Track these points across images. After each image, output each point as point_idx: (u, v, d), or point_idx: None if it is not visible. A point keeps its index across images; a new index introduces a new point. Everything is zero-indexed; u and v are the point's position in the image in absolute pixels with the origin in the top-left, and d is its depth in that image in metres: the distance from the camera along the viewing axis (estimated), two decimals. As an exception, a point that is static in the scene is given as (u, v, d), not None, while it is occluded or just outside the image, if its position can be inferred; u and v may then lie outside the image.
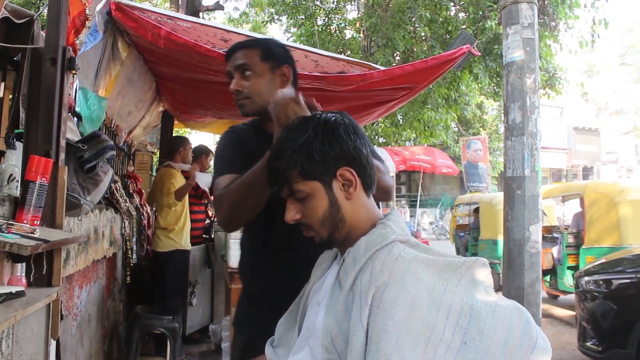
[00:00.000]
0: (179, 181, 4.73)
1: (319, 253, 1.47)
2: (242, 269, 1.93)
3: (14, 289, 1.69)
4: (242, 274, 1.94)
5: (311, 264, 1.47)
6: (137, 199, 4.83)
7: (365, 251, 1.21)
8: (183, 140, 5.18)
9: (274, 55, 1.81)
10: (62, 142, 2.16)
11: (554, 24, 10.45)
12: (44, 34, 2.26)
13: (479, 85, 11.51)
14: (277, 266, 1.77)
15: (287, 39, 14.24)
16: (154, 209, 5.10)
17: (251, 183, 1.57)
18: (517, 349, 1.08)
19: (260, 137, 1.81)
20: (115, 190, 3.95)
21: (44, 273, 2.01)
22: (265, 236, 1.80)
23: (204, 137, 19.12)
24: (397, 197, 16.20)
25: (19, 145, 2.09)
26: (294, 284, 1.50)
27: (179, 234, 4.70)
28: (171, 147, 5.07)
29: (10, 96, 2.67)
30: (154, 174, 6.56)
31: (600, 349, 4.41)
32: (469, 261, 1.20)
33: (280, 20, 15.54)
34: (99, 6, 2.89)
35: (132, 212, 4.34)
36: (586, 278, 4.82)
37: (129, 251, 4.25)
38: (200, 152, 5.49)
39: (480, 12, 10.63)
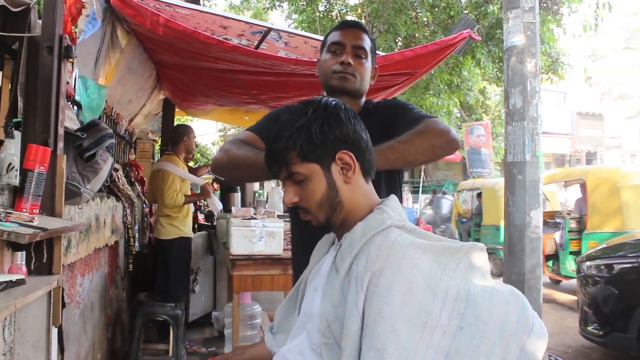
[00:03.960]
0: (178, 183, 4.67)
1: None
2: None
3: (14, 277, 1.69)
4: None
5: None
6: (138, 187, 4.83)
7: (361, 236, 1.21)
8: (187, 129, 5.09)
9: (375, 53, 1.94)
10: (61, 131, 2.16)
11: (557, 7, 10.37)
12: (41, 23, 2.25)
13: (482, 70, 11.46)
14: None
15: (289, 26, 14.16)
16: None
17: (255, 163, 1.63)
18: (514, 334, 1.08)
19: None
20: (116, 179, 3.95)
21: (44, 261, 2.02)
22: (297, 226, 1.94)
23: (205, 125, 19.12)
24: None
25: (18, 134, 2.09)
26: None
27: (182, 222, 4.71)
28: (175, 136, 5.01)
29: (9, 85, 2.67)
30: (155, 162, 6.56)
31: (601, 333, 4.43)
32: (466, 246, 1.20)
33: (282, 7, 15.45)
34: (97, -6, 2.88)
35: (134, 200, 4.35)
36: (588, 263, 4.83)
37: (131, 239, 4.26)
38: (182, 134, 4.99)
39: (483, -3, 10.56)
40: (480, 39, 3.68)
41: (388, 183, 1.83)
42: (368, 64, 1.86)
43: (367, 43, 1.86)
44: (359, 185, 1.30)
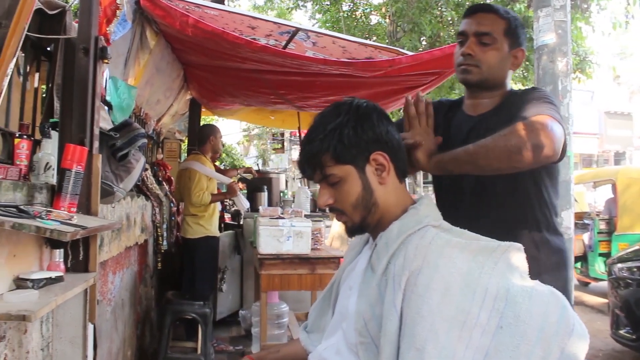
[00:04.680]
0: (205, 182, 4.70)
1: None
2: None
3: (53, 274, 1.73)
4: None
5: None
6: (166, 186, 4.89)
7: (397, 236, 1.21)
8: (214, 129, 5.11)
9: (517, 34, 1.72)
10: (96, 131, 2.20)
11: (585, 5, 10.20)
12: (76, 25, 2.29)
13: (508, 70, 11.31)
14: None
15: (313, 25, 14.17)
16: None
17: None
18: (554, 335, 1.07)
19: (451, 115, 1.81)
20: (145, 178, 4.00)
21: (80, 259, 2.06)
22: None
23: (229, 124, 19.24)
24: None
25: (54, 134, 2.13)
26: None
27: (209, 221, 4.74)
28: (201, 135, 5.05)
29: (44, 86, 2.72)
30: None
31: (634, 337, 4.35)
32: (503, 245, 1.19)
33: (305, 7, 15.48)
34: (128, -4, 2.92)
35: (162, 199, 4.40)
36: (619, 265, 4.75)
37: (160, 238, 4.31)
38: (209, 134, 5.01)
39: (509, -5, 10.44)
40: (509, 37, 3.63)
41: (506, 189, 1.65)
42: (497, 50, 1.67)
43: (495, 27, 1.67)
44: (394, 186, 1.30)
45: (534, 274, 1.21)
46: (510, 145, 1.38)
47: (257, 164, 14.81)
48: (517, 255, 1.18)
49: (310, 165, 1.29)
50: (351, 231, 1.33)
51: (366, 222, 1.29)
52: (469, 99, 1.78)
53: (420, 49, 10.54)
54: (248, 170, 6.12)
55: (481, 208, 1.67)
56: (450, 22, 11.37)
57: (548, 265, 1.65)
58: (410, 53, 3.89)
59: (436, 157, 1.49)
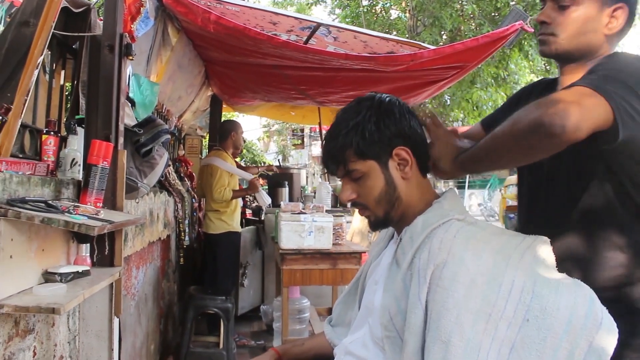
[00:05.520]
0: (226, 178, 4.73)
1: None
2: None
3: (80, 269, 1.76)
4: None
5: None
6: (188, 182, 4.93)
7: (422, 229, 1.21)
8: (235, 125, 5.13)
9: None
10: (121, 127, 2.23)
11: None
12: (100, 22, 2.32)
13: (530, 63, 11.20)
14: None
15: (333, 20, 14.16)
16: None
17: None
18: (582, 329, 1.06)
19: (547, 95, 1.30)
20: (167, 174, 4.04)
21: (106, 253, 2.09)
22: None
23: (250, 120, 19.32)
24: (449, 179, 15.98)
25: (80, 131, 2.16)
26: None
27: (231, 216, 4.77)
28: (223, 131, 5.06)
29: (70, 84, 2.76)
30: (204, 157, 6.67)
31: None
32: (529, 238, 1.19)
33: (325, 2, 15.48)
34: (150, -7, 2.94)
35: (184, 195, 4.44)
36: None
37: (182, 233, 4.36)
38: (230, 130, 5.05)
39: (531, -13, 10.32)
40: (532, 30, 3.59)
41: (578, 185, 1.31)
42: (581, 12, 1.34)
43: None
44: (417, 180, 1.30)
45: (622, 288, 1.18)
46: (515, 129, 1.15)
47: (278, 160, 14.82)
48: (543, 247, 1.18)
49: (334, 161, 1.29)
50: (374, 225, 1.33)
51: (389, 217, 1.29)
52: (561, 75, 1.45)
53: (441, 43, 10.49)
54: (270, 168, 6.13)
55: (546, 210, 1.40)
56: (471, 15, 11.28)
57: None
58: (431, 47, 3.86)
59: (457, 160, 1.31)
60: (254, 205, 6.44)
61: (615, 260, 1.25)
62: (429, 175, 1.37)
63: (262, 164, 11.93)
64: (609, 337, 1.07)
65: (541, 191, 1.40)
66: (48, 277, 1.67)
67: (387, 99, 1.29)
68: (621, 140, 1.13)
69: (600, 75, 1.18)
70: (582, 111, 1.09)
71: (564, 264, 1.21)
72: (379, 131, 1.24)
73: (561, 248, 1.25)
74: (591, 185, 1.28)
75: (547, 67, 11.72)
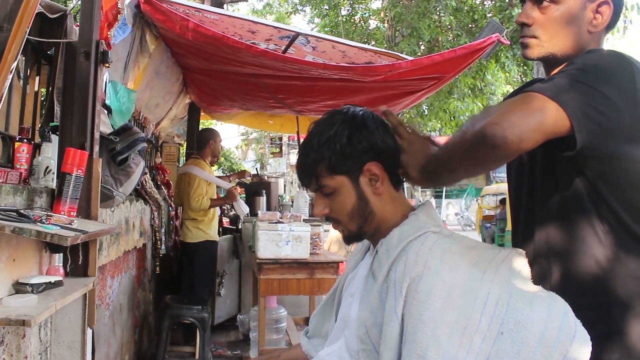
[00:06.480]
0: (204, 187, 4.70)
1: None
2: None
3: (52, 279, 1.73)
4: None
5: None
6: (164, 190, 4.88)
7: (398, 242, 1.20)
8: (213, 133, 5.10)
9: None
10: (96, 135, 2.20)
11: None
12: (77, 29, 2.29)
13: (506, 74, 11.37)
14: None
15: (311, 30, 14.21)
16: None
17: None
18: (555, 342, 1.06)
19: None
20: (144, 182, 4.00)
21: (79, 263, 2.06)
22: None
23: (228, 128, 19.26)
24: (422, 188, 16.10)
25: (54, 138, 2.13)
26: None
27: (208, 225, 4.73)
28: (201, 139, 5.03)
29: (44, 90, 2.72)
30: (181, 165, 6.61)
31: None
32: (504, 251, 1.19)
33: (304, 11, 15.56)
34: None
35: (161, 203, 4.39)
36: None
37: (158, 242, 4.31)
38: (208, 138, 5.00)
39: (507, 0, 10.48)
40: (509, 42, 3.64)
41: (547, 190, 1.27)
42: (561, 10, 1.25)
43: None
44: (390, 194, 1.29)
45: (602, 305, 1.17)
46: (464, 140, 1.11)
47: (256, 168, 14.78)
48: (518, 260, 1.18)
49: (306, 175, 1.29)
50: (348, 239, 1.33)
51: (363, 231, 1.29)
52: (547, 76, 1.35)
53: (419, 54, 10.59)
54: (242, 174, 6.06)
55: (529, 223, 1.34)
56: (449, 26, 11.41)
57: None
58: (409, 58, 3.90)
59: (424, 168, 1.23)
60: (231, 213, 6.41)
61: (590, 255, 1.20)
62: (406, 184, 1.37)
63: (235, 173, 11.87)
64: (582, 349, 1.08)
65: (524, 188, 1.36)
66: (19, 287, 1.64)
67: (361, 112, 1.28)
68: (582, 147, 1.09)
69: (561, 79, 1.12)
70: (527, 120, 1.05)
71: (541, 258, 1.24)
72: (350, 146, 1.23)
73: (540, 243, 1.27)
74: (563, 184, 1.23)
75: (523, 79, 11.90)
